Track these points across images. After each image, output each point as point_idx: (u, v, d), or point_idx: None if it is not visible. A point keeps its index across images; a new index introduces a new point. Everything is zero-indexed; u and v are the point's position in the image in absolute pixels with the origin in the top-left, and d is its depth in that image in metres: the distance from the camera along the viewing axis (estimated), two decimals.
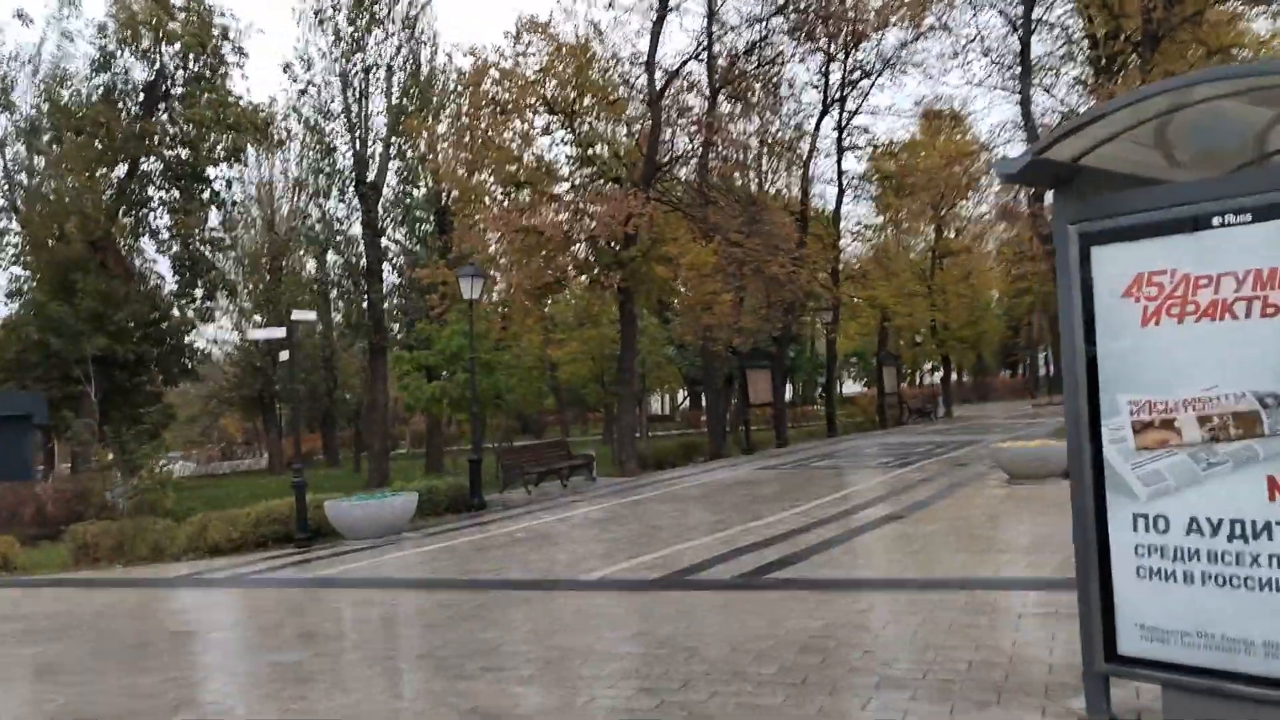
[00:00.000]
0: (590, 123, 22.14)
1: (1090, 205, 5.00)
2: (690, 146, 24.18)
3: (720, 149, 26.84)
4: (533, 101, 20.84)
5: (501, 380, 27.38)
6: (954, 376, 56.69)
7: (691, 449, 27.86)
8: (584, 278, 23.54)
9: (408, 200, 30.94)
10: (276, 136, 28.05)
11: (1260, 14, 23.97)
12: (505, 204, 21.88)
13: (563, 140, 22.23)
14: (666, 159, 23.63)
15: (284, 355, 19.02)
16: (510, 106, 20.92)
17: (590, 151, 22.24)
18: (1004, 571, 9.42)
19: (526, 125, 21.76)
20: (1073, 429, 5.01)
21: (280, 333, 20.59)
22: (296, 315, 16.60)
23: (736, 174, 30.28)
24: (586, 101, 21.67)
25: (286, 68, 27.29)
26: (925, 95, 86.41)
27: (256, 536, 14.82)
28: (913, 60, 31.10)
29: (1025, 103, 21.90)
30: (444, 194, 28.39)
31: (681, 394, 64.55)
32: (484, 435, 47.36)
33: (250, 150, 34.82)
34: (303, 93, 27.35)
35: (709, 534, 13.16)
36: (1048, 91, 25.76)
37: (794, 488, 18.62)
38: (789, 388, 62.81)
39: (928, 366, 68.35)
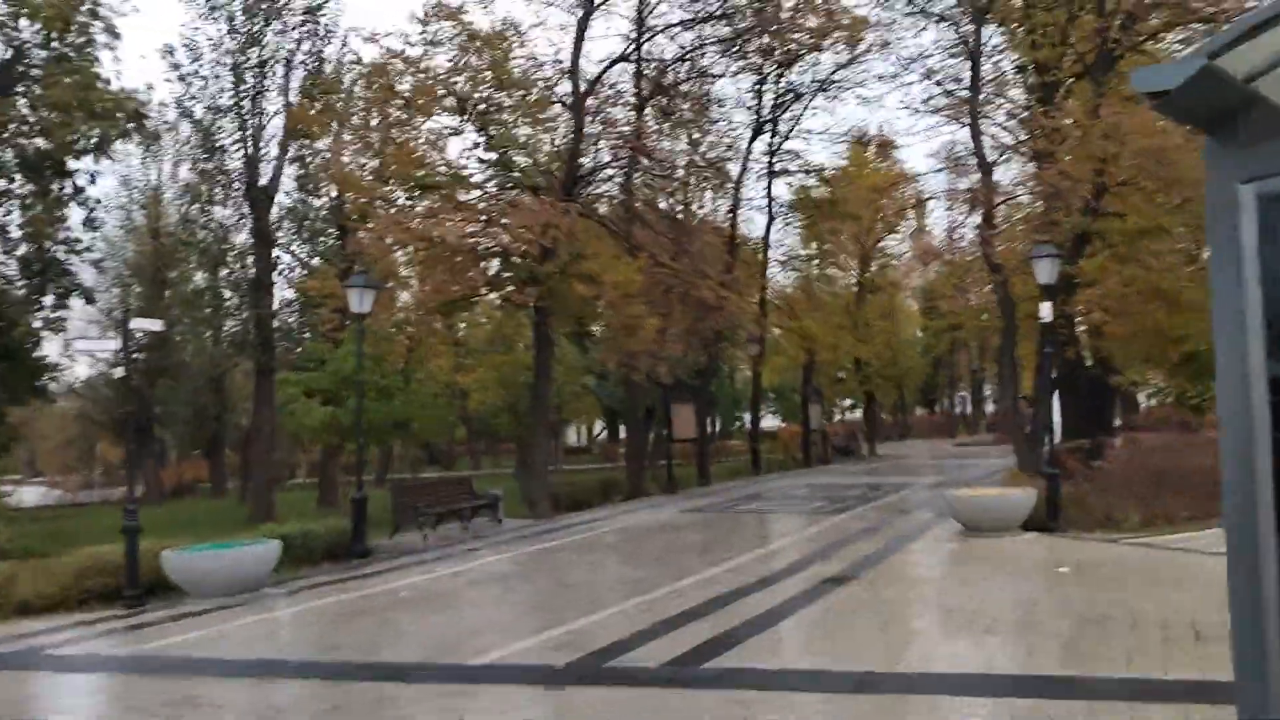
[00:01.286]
0: (506, 125, 20.04)
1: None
2: (615, 159, 22.25)
3: (647, 164, 25.00)
4: (442, 96, 18.64)
5: (399, 408, 24.88)
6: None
7: (609, 486, 25.71)
8: (495, 296, 21.30)
9: (306, 209, 28.32)
10: (153, 130, 25.26)
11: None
12: (407, 210, 19.55)
13: (476, 144, 20.11)
14: (590, 169, 21.65)
15: (150, 326, 16.27)
16: (417, 102, 18.70)
17: (506, 156, 20.11)
18: (998, 664, 7.49)
19: (434, 124, 19.59)
20: (1239, 475, 3.15)
21: (158, 325, 18.01)
22: (136, 324, 14.06)
23: (663, 195, 28.46)
24: (503, 100, 19.57)
25: (168, 52, 24.59)
26: (863, 119, 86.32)
27: (79, 592, 12.10)
28: (852, 80, 29.71)
29: (974, 122, 20.55)
30: (347, 204, 25.95)
31: (599, 425, 62.32)
32: (388, 467, 44.62)
33: (132, 149, 31.89)
34: (183, 79, 24.64)
35: (630, 597, 11.04)
36: (988, 117, 24.56)
37: (724, 536, 16.63)
38: (710, 421, 61.41)
39: (847, 403, 67.54)
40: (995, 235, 19.41)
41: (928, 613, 9.69)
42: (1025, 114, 23.18)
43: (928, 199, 23.63)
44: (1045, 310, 15.56)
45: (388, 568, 14.69)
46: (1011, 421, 20.67)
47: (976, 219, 22.54)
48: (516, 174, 20.33)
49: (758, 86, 31.62)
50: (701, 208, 32.30)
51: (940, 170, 25.42)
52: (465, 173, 20.49)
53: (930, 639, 8.56)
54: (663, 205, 29.43)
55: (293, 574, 14.11)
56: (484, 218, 19.11)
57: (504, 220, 18.92)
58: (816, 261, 43.98)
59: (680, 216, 29.30)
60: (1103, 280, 17.76)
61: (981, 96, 22.71)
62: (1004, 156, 21.16)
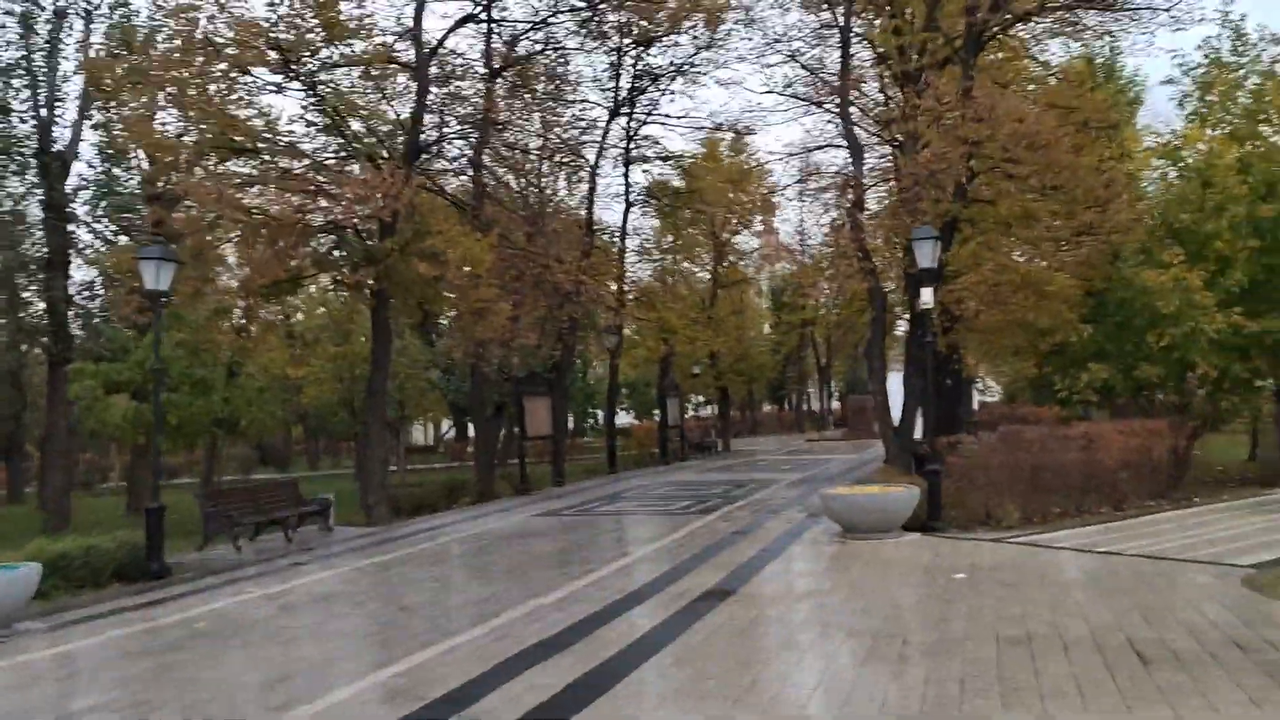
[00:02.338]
0: (339, 88, 17.84)
1: None
2: (464, 129, 20.32)
3: (498, 135, 23.19)
4: (261, 46, 16.26)
5: (221, 403, 22.20)
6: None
7: (457, 489, 23.72)
8: (326, 277, 19.01)
9: (110, 180, 25.09)
10: None
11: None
12: (223, 178, 17.08)
13: (305, 107, 17.79)
14: (436, 140, 19.65)
15: None
16: (231, 52, 16.27)
17: (340, 120, 17.87)
18: (932, 703, 6.15)
19: (255, 81, 17.15)
20: None
21: None
22: None
23: (516, 175, 26.61)
24: (334, 57, 17.33)
25: None
26: (724, 104, 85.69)
27: None
28: (713, 63, 28.63)
29: (844, 102, 19.65)
30: (161, 178, 22.97)
31: (446, 424, 59.66)
32: (213, 469, 40.93)
33: None
34: None
35: (478, 623, 9.32)
36: (853, 104, 23.86)
37: (583, 543, 15.04)
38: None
39: (699, 399, 67.09)
40: (869, 221, 18.52)
41: (828, 635, 8.35)
42: (888, 104, 22.60)
43: (786, 187, 22.51)
44: (925, 296, 14.66)
45: (189, 590, 12.44)
46: (881, 416, 19.85)
47: (840, 212, 21.79)
48: (352, 141, 18.14)
49: (615, 66, 30.25)
50: (556, 194, 30.63)
51: (805, 152, 24.17)
52: (293, 138, 18.15)
53: (840, 671, 7.20)
54: (515, 186, 27.68)
55: (70, 600, 11.71)
56: (313, 188, 16.85)
57: (337, 191, 16.73)
58: (674, 257, 43.04)
59: (534, 200, 27.57)
60: (975, 268, 17.09)
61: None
62: (872, 139, 20.31)
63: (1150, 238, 17.42)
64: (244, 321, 25.03)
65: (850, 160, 20.03)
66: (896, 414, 20.13)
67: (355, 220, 16.67)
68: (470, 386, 25.03)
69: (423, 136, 19.54)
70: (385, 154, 18.17)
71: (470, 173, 22.46)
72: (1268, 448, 18.92)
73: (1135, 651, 7.12)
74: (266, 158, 16.62)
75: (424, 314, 31.68)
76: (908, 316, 20.43)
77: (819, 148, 23.97)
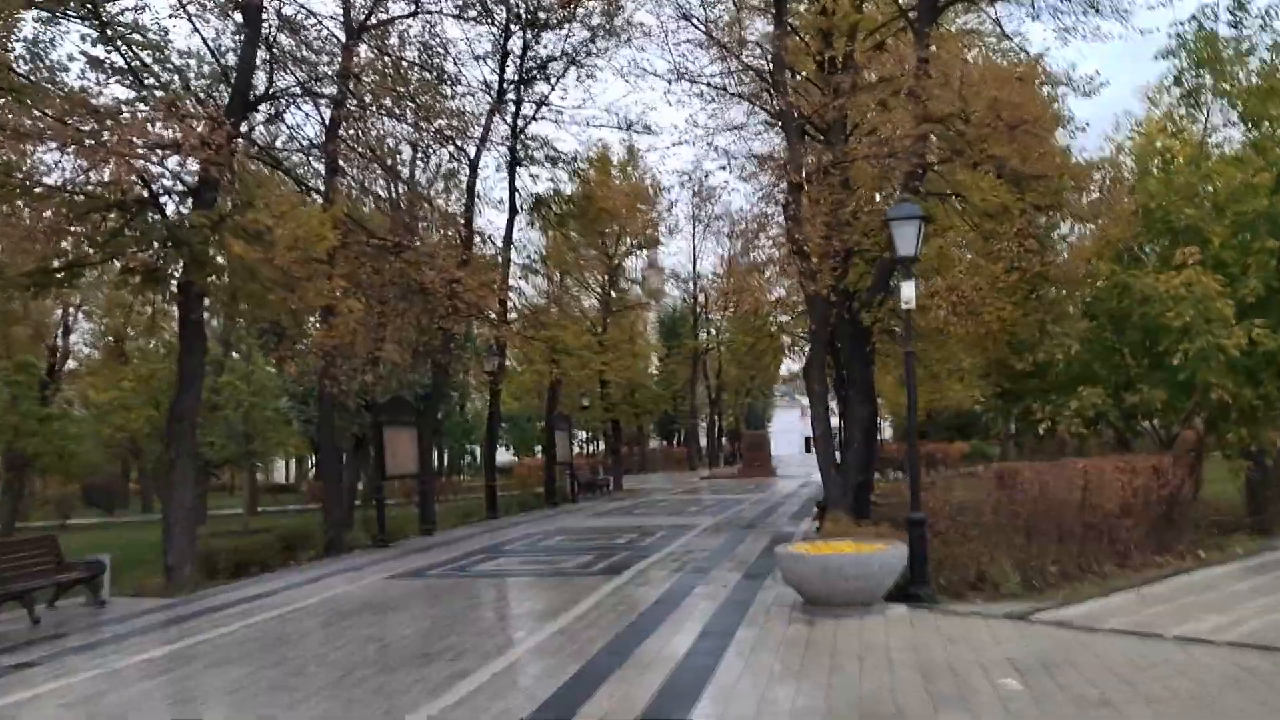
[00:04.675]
0: (134, 14, 13.59)
1: None
2: (314, 86, 16.26)
3: (360, 118, 19.17)
4: None
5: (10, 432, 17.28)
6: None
7: (299, 540, 19.25)
8: (114, 261, 14.49)
9: None
10: None
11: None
12: None
13: (85, 38, 13.44)
14: (270, 91, 15.50)
15: None
16: None
17: (133, 58, 13.60)
18: None
19: None
20: None
21: None
22: None
23: (381, 172, 22.47)
24: None
25: None
26: (623, 96, 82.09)
27: None
28: (625, 37, 25.13)
29: (778, 63, 16.33)
30: None
31: (311, 459, 53.92)
32: (15, 515, 34.82)
33: None
34: None
35: None
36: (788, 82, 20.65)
37: (452, 621, 10.97)
38: (435, 455, 54.64)
39: (585, 434, 63.20)
40: (808, 216, 15.20)
41: None
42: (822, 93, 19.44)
43: (709, 174, 18.88)
44: (907, 293, 11.28)
45: None
46: (823, 449, 16.46)
47: (771, 204, 18.52)
48: (154, 90, 13.86)
49: (501, 48, 26.59)
50: (430, 192, 26.61)
51: (728, 130, 20.58)
52: (67, 77, 13.74)
53: None
54: (383, 183, 23.59)
55: None
56: (93, 142, 12.45)
57: (130, 141, 12.40)
58: (564, 278, 39.33)
59: (403, 197, 23.49)
60: (946, 270, 13.94)
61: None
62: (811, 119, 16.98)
63: (1149, 235, 14.61)
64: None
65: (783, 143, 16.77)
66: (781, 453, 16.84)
67: (142, 177, 12.38)
68: (319, 415, 20.58)
69: (257, 92, 15.36)
70: (201, 106, 13.92)
71: (320, 154, 18.31)
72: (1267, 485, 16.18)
73: None
74: (23, 98, 12.16)
75: (278, 331, 27.19)
76: (842, 327, 17.15)
77: (737, 127, 20.63)
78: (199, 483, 16.77)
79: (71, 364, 40.37)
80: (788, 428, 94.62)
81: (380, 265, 16.70)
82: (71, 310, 36.48)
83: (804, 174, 15.48)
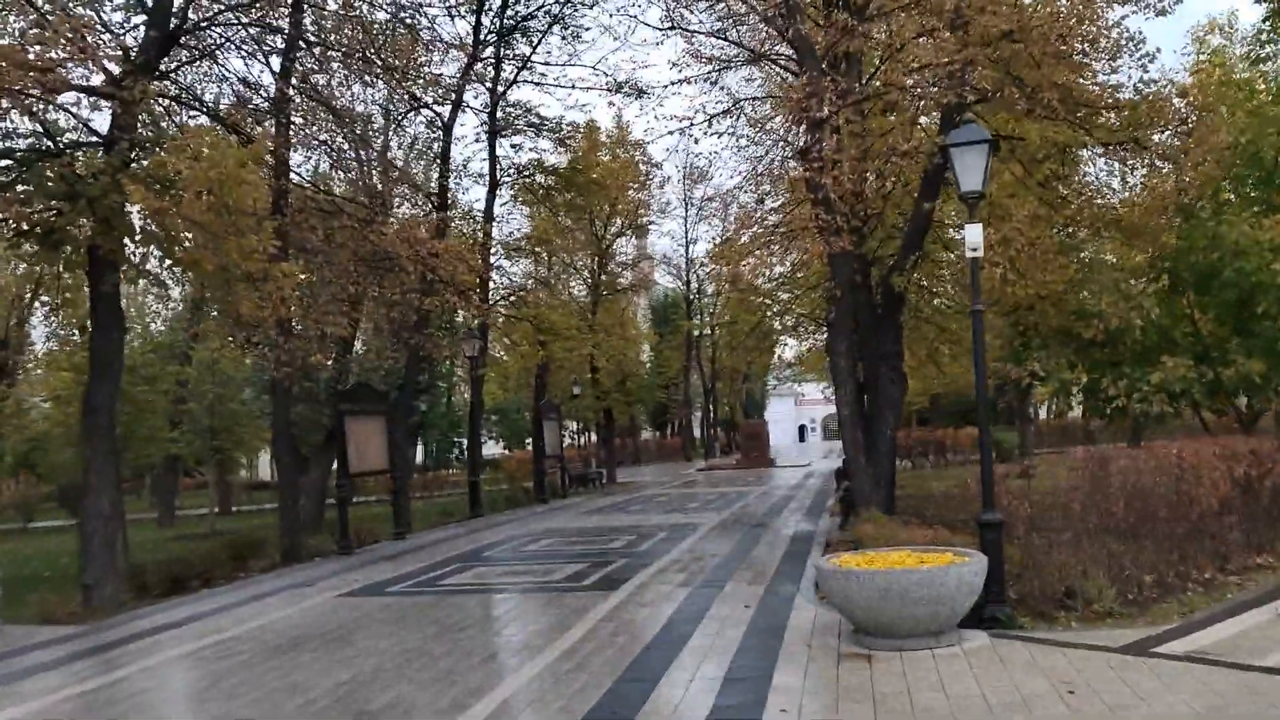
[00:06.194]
0: None
1: None
2: (257, 20, 13.87)
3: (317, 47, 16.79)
4: None
5: None
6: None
7: (251, 548, 16.94)
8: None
9: None
10: None
11: None
12: None
13: None
14: (197, 21, 13.09)
15: None
16: None
17: None
18: None
19: None
20: None
21: None
22: None
23: (343, 136, 20.06)
24: None
25: None
26: (615, 53, 78.96)
27: None
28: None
29: (794, 11, 13.91)
30: None
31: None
32: None
33: None
34: None
35: None
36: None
37: (407, 663, 8.59)
38: (420, 449, 52.14)
39: (576, 425, 60.83)
40: (835, 156, 12.87)
41: None
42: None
43: (712, 117, 16.34)
44: (973, 236, 8.96)
45: None
46: (852, 436, 14.14)
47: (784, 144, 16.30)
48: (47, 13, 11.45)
49: (476, 10, 24.20)
50: (407, 160, 24.26)
51: (726, 67, 17.98)
52: None
53: None
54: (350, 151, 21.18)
55: None
56: None
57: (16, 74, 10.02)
58: (551, 257, 36.90)
59: (371, 162, 21.06)
60: (1009, 216, 11.61)
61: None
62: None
63: (1237, 176, 12.31)
64: None
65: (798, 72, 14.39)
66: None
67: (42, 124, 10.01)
68: (273, 404, 18.17)
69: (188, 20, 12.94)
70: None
71: (265, 101, 15.87)
72: None
73: None
74: None
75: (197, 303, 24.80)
76: (878, 288, 14.92)
77: (751, 60, 18.16)
78: (171, 483, 14.32)
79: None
80: (781, 416, 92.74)
81: (335, 230, 14.32)
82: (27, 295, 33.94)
83: (826, 110, 13.13)
